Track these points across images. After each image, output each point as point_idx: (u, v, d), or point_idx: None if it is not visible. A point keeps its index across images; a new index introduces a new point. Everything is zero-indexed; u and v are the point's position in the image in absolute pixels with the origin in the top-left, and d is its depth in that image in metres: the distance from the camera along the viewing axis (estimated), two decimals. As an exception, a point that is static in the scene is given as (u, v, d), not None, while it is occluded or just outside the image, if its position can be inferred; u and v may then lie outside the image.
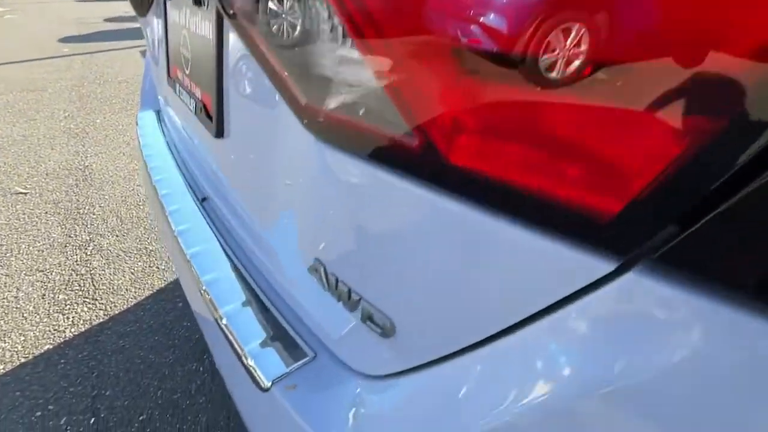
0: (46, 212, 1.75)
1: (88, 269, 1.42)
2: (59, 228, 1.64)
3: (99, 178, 2.03)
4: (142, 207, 1.79)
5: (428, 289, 0.30)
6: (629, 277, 0.21)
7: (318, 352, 0.39)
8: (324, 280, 0.37)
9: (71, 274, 1.39)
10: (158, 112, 0.90)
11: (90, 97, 3.33)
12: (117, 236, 1.59)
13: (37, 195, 1.88)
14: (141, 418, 0.95)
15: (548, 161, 0.23)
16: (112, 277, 1.38)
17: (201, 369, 1.07)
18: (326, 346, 0.40)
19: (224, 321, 0.44)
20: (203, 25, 0.45)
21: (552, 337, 0.25)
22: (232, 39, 0.44)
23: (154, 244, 1.55)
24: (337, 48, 0.30)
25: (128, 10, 10.11)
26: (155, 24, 0.75)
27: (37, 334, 1.16)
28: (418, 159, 0.28)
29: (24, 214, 1.73)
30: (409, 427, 0.32)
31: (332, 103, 0.31)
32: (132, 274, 1.40)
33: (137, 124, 0.88)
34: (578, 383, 0.24)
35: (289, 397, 0.37)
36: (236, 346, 0.41)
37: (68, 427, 0.93)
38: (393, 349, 0.33)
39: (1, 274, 1.39)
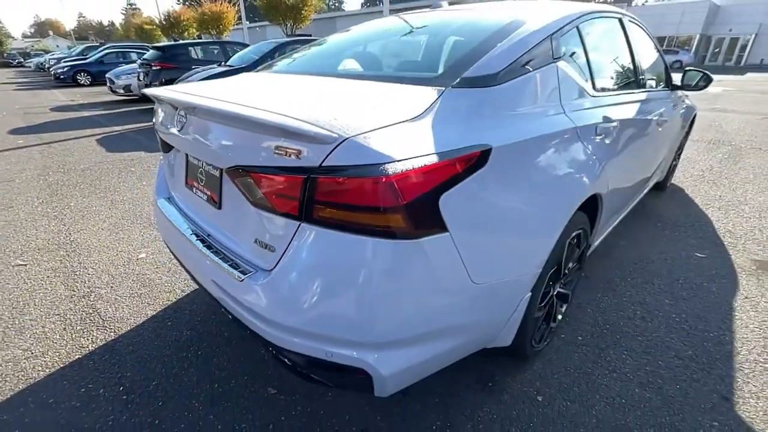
0: (48, 276, 2.26)
1: (94, 309, 1.97)
2: (62, 286, 2.17)
3: (86, 248, 2.58)
4: (128, 265, 2.36)
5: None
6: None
7: (255, 269, 1.09)
8: (259, 242, 1.09)
9: (82, 314, 1.94)
10: (168, 198, 1.60)
11: (58, 184, 3.84)
12: (112, 287, 2.16)
13: (36, 265, 2.38)
14: (154, 383, 1.53)
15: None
16: (114, 313, 1.95)
17: (189, 356, 1.67)
18: (256, 265, 1.10)
19: (220, 259, 1.14)
20: (212, 169, 1.21)
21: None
22: (226, 176, 1.20)
23: (142, 289, 2.14)
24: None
25: (74, 98, 10.61)
26: (173, 157, 1.49)
27: (69, 350, 1.70)
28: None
29: (29, 279, 2.24)
30: (282, 285, 1.02)
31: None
32: (130, 309, 1.97)
33: (157, 203, 1.58)
34: None
35: (244, 282, 1.07)
36: (227, 270, 1.10)
37: (106, 394, 1.49)
38: (273, 260, 1.04)
39: (26, 319, 1.90)
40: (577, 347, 1.71)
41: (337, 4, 70.37)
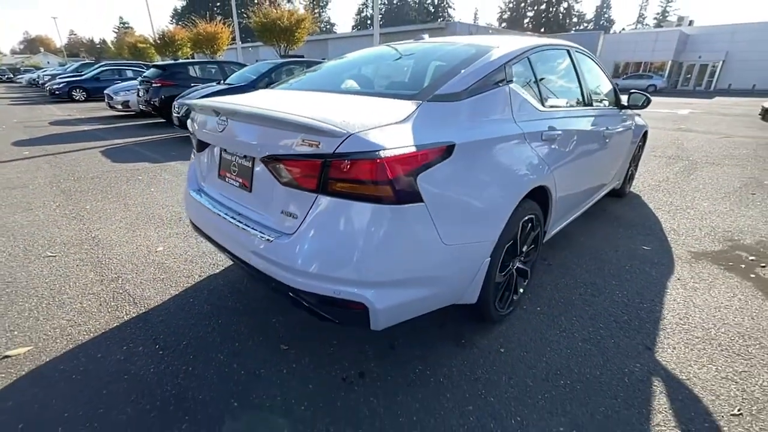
0: (77, 265, 2.55)
1: (124, 290, 2.27)
2: (91, 273, 2.46)
3: (107, 243, 2.87)
4: (148, 257, 2.67)
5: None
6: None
7: (281, 233, 1.42)
8: (285, 212, 1.42)
9: (113, 294, 2.23)
10: (198, 190, 1.95)
11: (71, 190, 4.12)
12: (136, 273, 2.46)
13: (64, 256, 2.67)
14: (184, 343, 1.84)
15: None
16: (142, 293, 2.25)
17: (211, 323, 1.97)
18: (281, 231, 1.44)
19: (253, 228, 1.48)
20: (245, 160, 1.56)
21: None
22: (257, 164, 1.55)
23: (164, 275, 2.44)
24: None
25: (71, 113, 10.86)
26: (207, 155, 1.85)
27: (107, 320, 1.99)
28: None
29: (61, 267, 2.52)
30: (303, 242, 1.36)
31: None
32: (155, 290, 2.27)
33: (190, 193, 1.92)
34: None
35: (273, 242, 1.40)
36: (260, 236, 1.44)
37: (144, 350, 1.78)
38: (295, 225, 1.38)
39: (65, 297, 2.19)
40: (535, 315, 2.08)
41: (329, 27, 72.42)
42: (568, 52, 2.48)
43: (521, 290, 2.09)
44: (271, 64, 7.39)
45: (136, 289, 2.27)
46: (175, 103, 6.91)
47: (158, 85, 8.16)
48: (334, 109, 1.54)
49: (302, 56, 21.64)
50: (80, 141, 6.96)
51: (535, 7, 67.91)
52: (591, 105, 2.60)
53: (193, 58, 26.36)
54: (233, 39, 22.70)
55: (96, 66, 17.20)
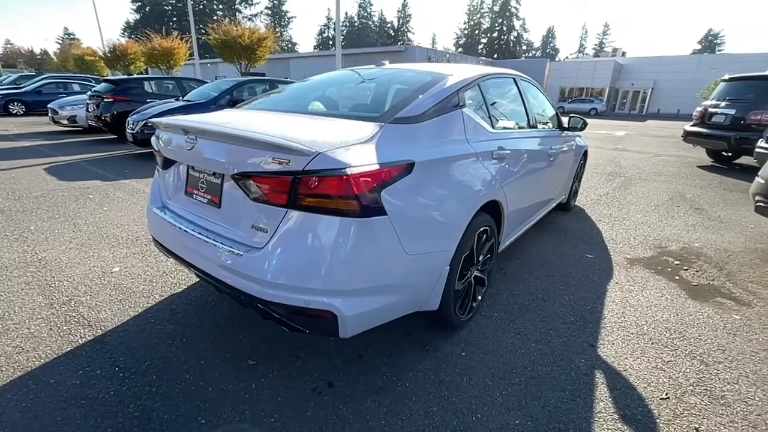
0: (22, 289, 2.40)
1: (77, 313, 2.16)
2: (39, 296, 2.33)
3: (56, 265, 2.72)
4: (103, 278, 2.56)
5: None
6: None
7: (250, 247, 1.47)
8: (255, 227, 1.47)
9: (66, 317, 2.12)
10: (161, 207, 1.94)
11: (12, 210, 3.85)
12: (91, 295, 2.35)
13: (7, 280, 2.50)
14: (146, 363, 1.79)
15: None
16: (98, 315, 2.16)
17: (174, 343, 1.94)
18: (251, 245, 1.49)
19: (223, 245, 1.51)
20: (213, 177, 1.60)
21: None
22: (226, 181, 1.59)
23: (121, 296, 2.35)
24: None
25: (8, 128, 10.08)
26: (173, 172, 1.86)
27: (60, 344, 1.90)
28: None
29: (3, 291, 2.36)
30: (273, 254, 1.42)
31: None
32: (112, 312, 2.19)
33: (153, 209, 1.91)
34: None
35: (243, 256, 1.44)
36: (230, 250, 1.47)
37: (103, 373, 1.72)
38: (265, 239, 1.44)
39: (9, 323, 2.05)
40: (493, 320, 2.23)
41: (290, 46, 72.71)
42: (514, 80, 2.75)
43: (479, 297, 2.24)
44: (232, 82, 7.36)
45: (90, 312, 2.18)
46: (129, 119, 6.67)
47: (110, 100, 7.83)
48: (302, 130, 1.63)
49: (263, 74, 21.57)
50: (21, 158, 6.49)
51: (488, 35, 72.43)
52: (536, 127, 2.88)
53: (146, 73, 25.40)
54: (191, 55, 22.23)
55: (38, 78, 16.12)
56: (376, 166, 1.38)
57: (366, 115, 1.77)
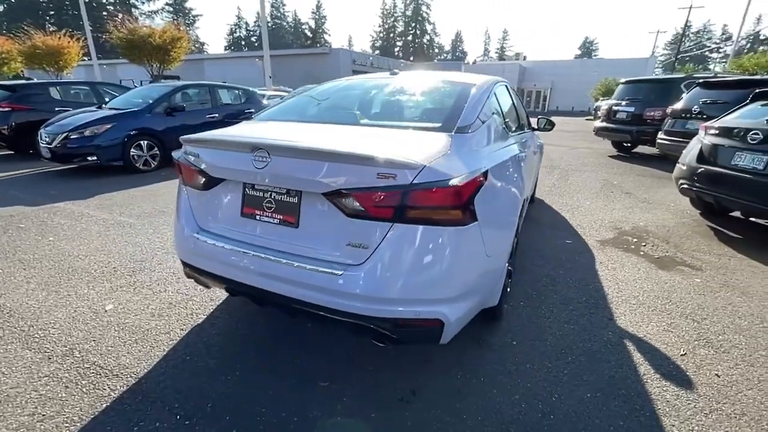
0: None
1: (90, 363, 1.85)
2: (28, 351, 1.94)
3: (27, 312, 2.28)
4: (99, 318, 2.21)
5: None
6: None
7: (347, 265, 1.43)
8: (352, 244, 1.44)
9: (78, 370, 1.81)
10: (199, 231, 1.75)
11: None
12: (95, 340, 2.02)
13: (-32, 337, 2.03)
14: (209, 405, 1.63)
15: None
16: (117, 361, 1.87)
17: (229, 378, 1.78)
18: (347, 263, 1.44)
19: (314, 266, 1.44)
20: (287, 196, 1.51)
21: None
22: (305, 199, 1.51)
23: (133, 335, 2.07)
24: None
25: None
26: (220, 192, 1.69)
27: (90, 402, 1.62)
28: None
29: (-28, 352, 1.92)
30: (378, 270, 1.40)
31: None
32: (133, 355, 1.92)
33: (194, 234, 1.73)
34: None
35: (343, 275, 1.40)
36: (325, 272, 1.41)
37: (164, 425, 1.52)
38: (364, 255, 1.42)
39: (7, 388, 1.69)
40: (521, 308, 2.42)
41: (198, 46, 67.31)
42: (506, 86, 2.99)
43: (508, 288, 2.42)
44: (169, 87, 6.69)
45: (107, 360, 1.89)
46: (42, 131, 5.69)
47: (7, 109, 6.59)
48: (382, 142, 1.63)
49: (178, 77, 19.74)
50: None
51: (403, 38, 75.32)
52: (523, 129, 3.17)
53: (22, 73, 21.61)
54: (84, 55, 19.46)
55: None
56: (472, 176, 1.45)
57: (425, 125, 1.82)
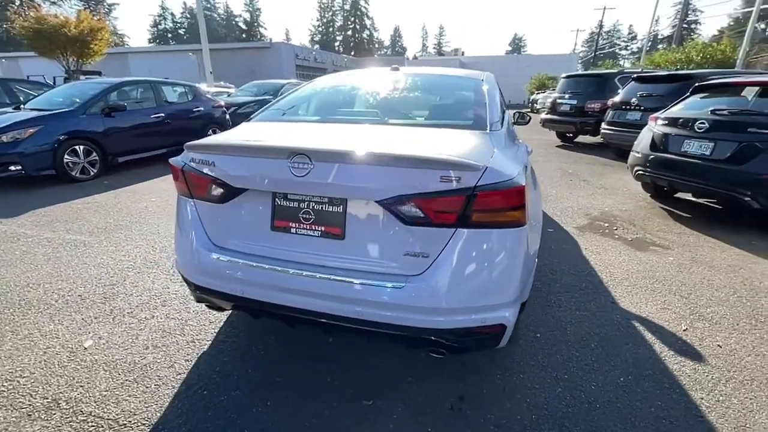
0: (-51, 408, 1.60)
1: (85, 414, 1.56)
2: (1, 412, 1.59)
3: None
4: (78, 358, 1.88)
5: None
6: None
7: (406, 277, 1.33)
8: (410, 254, 1.34)
9: (74, 425, 1.52)
10: (218, 249, 1.54)
11: None
12: (83, 386, 1.71)
13: None
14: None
15: None
16: (120, 408, 1.60)
17: (260, 409, 1.60)
18: (404, 274, 1.34)
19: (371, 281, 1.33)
20: (329, 205, 1.37)
21: None
22: (351, 208, 1.38)
23: (129, 375, 1.79)
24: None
25: None
26: (240, 205, 1.49)
27: None
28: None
29: None
30: (444, 279, 1.32)
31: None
32: (137, 398, 1.65)
33: (212, 254, 1.51)
34: None
35: (405, 288, 1.30)
36: (382, 285, 1.30)
37: None
38: (423, 265, 1.33)
39: (-19, 461, 1.36)
40: (533, 299, 2.48)
41: (118, 38, 60.85)
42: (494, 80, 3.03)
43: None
44: (104, 84, 5.95)
45: (105, 408, 1.60)
46: (-54, 138, 4.75)
47: None
48: (433, 143, 1.55)
49: (99, 72, 17.71)
50: None
51: (343, 33, 74.46)
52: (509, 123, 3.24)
53: None
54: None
55: None
56: (523, 174, 1.42)
57: (456, 123, 1.76)
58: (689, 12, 52.65)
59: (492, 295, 1.34)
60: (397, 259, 1.35)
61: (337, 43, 73.90)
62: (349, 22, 73.08)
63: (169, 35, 66.32)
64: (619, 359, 1.93)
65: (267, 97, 9.56)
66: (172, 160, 1.68)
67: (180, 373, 1.80)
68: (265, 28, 72.15)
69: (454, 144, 1.53)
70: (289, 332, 2.09)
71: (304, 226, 1.43)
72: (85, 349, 1.96)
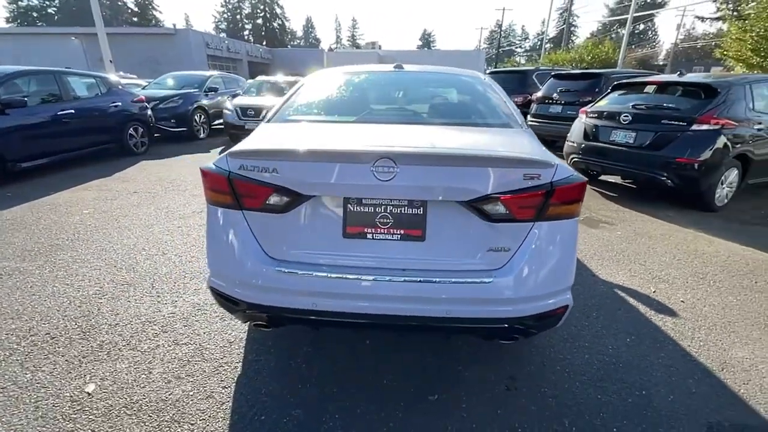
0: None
1: None
2: (-1, 488, 1.28)
3: (-57, 431, 1.48)
4: (87, 408, 1.59)
5: None
6: None
7: (490, 271, 1.39)
8: (493, 249, 1.40)
9: None
10: (278, 263, 1.42)
11: None
12: (108, 437, 1.46)
13: None
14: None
15: None
16: None
17: (329, 421, 1.54)
18: (487, 269, 1.40)
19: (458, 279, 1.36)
20: (408, 208, 1.37)
21: None
22: (431, 209, 1.38)
23: (164, 414, 1.57)
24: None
25: None
26: (307, 212, 1.39)
27: None
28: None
29: None
30: (523, 270, 1.41)
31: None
32: (185, 437, 1.47)
33: (274, 269, 1.39)
34: None
35: (493, 282, 1.36)
36: (472, 282, 1.35)
37: None
38: (504, 258, 1.42)
39: None
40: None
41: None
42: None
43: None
44: (-7, 75, 4.84)
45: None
46: None
47: None
48: (494, 142, 1.64)
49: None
50: None
51: (252, 21, 70.07)
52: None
53: None
54: None
55: None
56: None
57: (496, 122, 1.85)
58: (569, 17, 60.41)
59: (560, 280, 1.48)
60: (480, 256, 1.41)
61: (246, 32, 69.27)
62: (258, 10, 69.04)
63: (35, 15, 55.56)
64: (620, 323, 2.25)
65: (192, 90, 8.70)
66: (205, 168, 1.50)
67: (223, 403, 1.63)
68: (161, 12, 64.59)
69: (514, 143, 1.62)
70: (323, 340, 2.02)
71: (383, 230, 1.40)
72: (89, 394, 1.66)
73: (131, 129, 6.61)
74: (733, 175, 4.32)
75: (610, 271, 2.88)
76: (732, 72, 13.80)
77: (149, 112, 7.07)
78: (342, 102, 2.20)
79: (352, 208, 1.40)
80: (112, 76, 7.53)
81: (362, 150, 1.35)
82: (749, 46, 12.34)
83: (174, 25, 24.37)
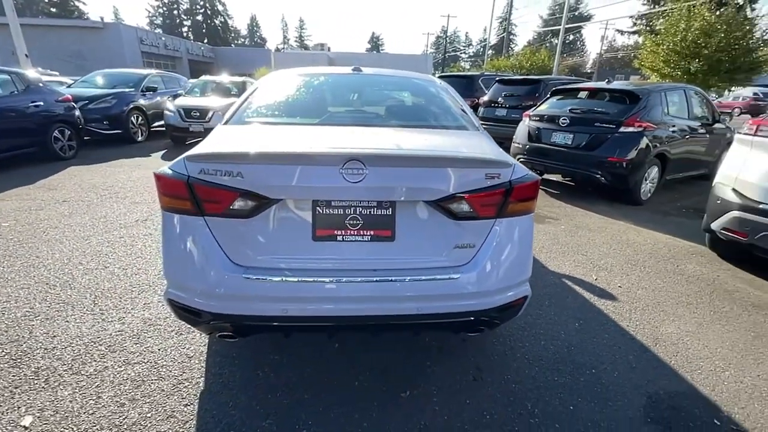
0: None
1: None
2: None
3: None
4: None
5: None
6: None
7: (457, 267, 1.43)
8: (459, 246, 1.45)
9: None
10: (245, 269, 1.36)
11: None
12: None
13: None
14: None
15: None
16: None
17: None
18: (454, 265, 1.44)
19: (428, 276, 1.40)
20: (378, 209, 1.36)
21: None
22: (399, 210, 1.39)
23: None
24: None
25: None
26: (273, 216, 1.34)
27: None
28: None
29: None
30: (486, 265, 1.49)
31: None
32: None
33: (242, 276, 1.33)
34: None
35: (460, 278, 1.41)
36: (441, 279, 1.40)
37: None
38: (470, 255, 1.48)
39: None
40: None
41: None
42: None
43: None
44: None
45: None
46: None
47: None
48: (462, 144, 1.70)
49: None
50: None
51: (191, 17, 66.28)
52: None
53: None
54: None
55: None
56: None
57: (452, 124, 1.92)
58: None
59: (520, 273, 1.57)
60: (447, 253, 1.46)
61: (185, 29, 65.35)
62: (198, 6, 65.51)
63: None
64: (569, 310, 2.44)
65: (125, 89, 8.04)
66: (160, 172, 1.41)
67: (186, 422, 1.54)
68: (85, 3, 58.93)
69: (474, 144, 1.69)
70: (289, 346, 1.97)
71: (353, 232, 1.40)
72: (26, 428, 1.49)
73: (56, 131, 5.97)
74: (654, 172, 4.85)
75: (558, 263, 3.11)
76: (648, 80, 15.53)
77: (77, 112, 6.42)
78: (303, 104, 2.17)
79: (321, 211, 1.39)
80: (31, 72, 6.77)
81: (332, 152, 1.35)
82: (661, 58, 13.96)
83: (102, 19, 22.34)
